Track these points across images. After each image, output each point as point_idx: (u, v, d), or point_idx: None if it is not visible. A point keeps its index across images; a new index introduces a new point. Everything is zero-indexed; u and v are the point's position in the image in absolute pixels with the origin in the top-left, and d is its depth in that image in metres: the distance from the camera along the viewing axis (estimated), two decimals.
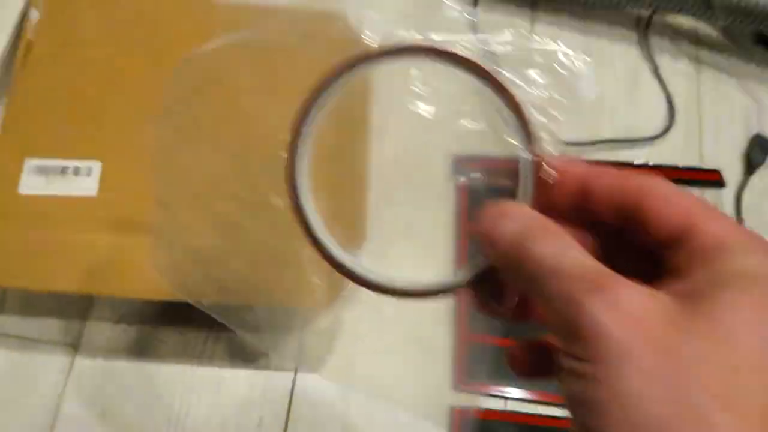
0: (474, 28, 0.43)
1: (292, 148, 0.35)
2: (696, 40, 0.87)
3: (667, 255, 0.29)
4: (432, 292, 0.34)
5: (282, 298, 0.65)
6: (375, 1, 0.76)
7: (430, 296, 0.34)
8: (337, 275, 0.60)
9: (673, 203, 0.29)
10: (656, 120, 0.83)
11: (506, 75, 0.34)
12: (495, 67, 0.33)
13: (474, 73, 0.33)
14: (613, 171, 0.31)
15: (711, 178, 0.81)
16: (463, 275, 0.33)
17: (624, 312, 0.25)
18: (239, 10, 0.75)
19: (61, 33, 0.75)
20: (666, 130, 0.82)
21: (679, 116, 0.83)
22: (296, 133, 0.34)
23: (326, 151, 0.64)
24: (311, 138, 0.35)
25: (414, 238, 0.77)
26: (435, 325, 0.74)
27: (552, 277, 0.27)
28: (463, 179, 0.78)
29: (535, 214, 0.31)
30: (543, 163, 0.32)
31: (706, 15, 0.81)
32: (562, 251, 0.28)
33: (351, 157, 0.72)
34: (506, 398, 0.72)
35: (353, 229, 0.70)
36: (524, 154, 0.32)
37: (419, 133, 0.78)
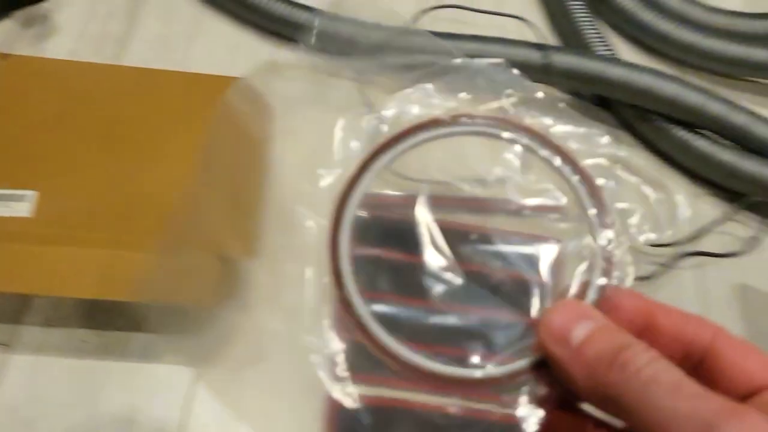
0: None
1: (334, 236, 0.32)
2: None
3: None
4: (506, 377, 0.31)
5: (171, 292, 0.78)
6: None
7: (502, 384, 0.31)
8: (228, 271, 0.75)
9: (752, 358, 0.29)
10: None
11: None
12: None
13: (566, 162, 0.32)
14: (682, 311, 0.32)
15: (558, 210, 0.97)
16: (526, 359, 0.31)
17: None
18: (144, 73, 0.92)
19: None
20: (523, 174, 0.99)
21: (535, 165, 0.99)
22: (337, 220, 0.30)
23: (228, 172, 0.80)
24: (350, 222, 0.30)
25: (301, 256, 0.91)
26: (318, 326, 0.87)
27: (674, 398, 0.26)
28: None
29: (619, 328, 0.30)
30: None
31: (550, 80, 0.99)
32: (675, 371, 0.28)
33: (247, 176, 0.87)
34: (382, 387, 0.84)
35: (246, 244, 0.84)
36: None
37: (312, 165, 0.94)
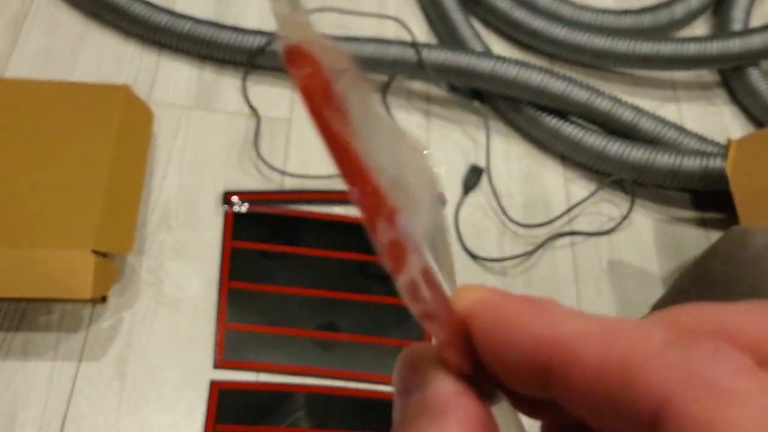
0: None
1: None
2: (427, 98, 1.10)
3: None
4: None
5: (44, 287, 0.80)
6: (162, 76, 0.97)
7: None
8: (108, 266, 0.77)
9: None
10: None
11: None
12: None
13: None
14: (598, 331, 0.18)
15: None
16: None
17: None
18: (20, 85, 0.94)
19: None
20: None
21: None
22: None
23: (105, 168, 0.82)
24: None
25: (186, 255, 0.93)
26: (202, 317, 0.89)
27: None
28: (228, 207, 0.96)
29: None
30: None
31: (423, 75, 1.04)
32: None
33: (128, 178, 0.89)
34: (258, 371, 0.87)
35: (122, 238, 0.86)
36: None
37: (198, 166, 0.97)
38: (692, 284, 0.59)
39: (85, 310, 0.88)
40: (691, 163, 0.98)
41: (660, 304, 0.63)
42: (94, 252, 0.81)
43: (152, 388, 0.84)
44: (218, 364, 0.86)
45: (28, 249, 0.81)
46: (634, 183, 1.01)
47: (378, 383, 0.87)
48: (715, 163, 0.97)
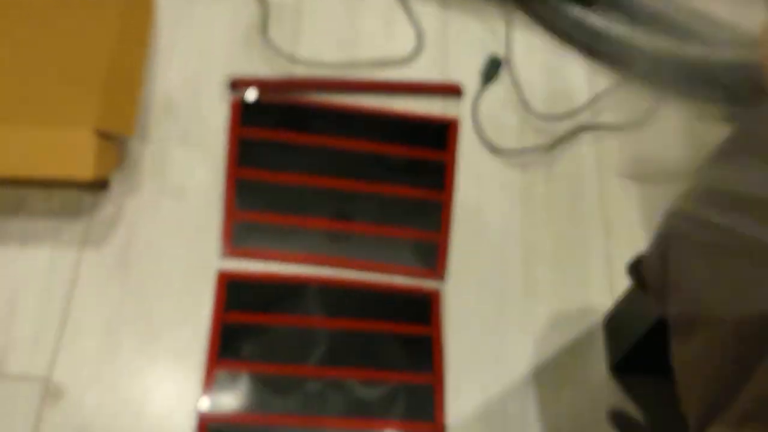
0: None
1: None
2: None
3: None
4: None
5: (45, 166, 0.76)
6: None
7: None
8: (110, 149, 0.72)
9: None
10: (409, 49, 0.98)
11: None
12: None
13: None
14: None
15: (453, 90, 0.96)
16: None
17: None
18: None
19: None
20: (416, 54, 0.97)
21: (429, 46, 0.98)
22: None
23: (107, 49, 0.77)
24: None
25: (191, 143, 0.89)
26: (208, 206, 0.85)
27: None
28: (235, 95, 0.91)
29: None
30: None
31: None
32: None
33: (129, 61, 0.84)
34: (268, 260, 0.83)
35: (125, 120, 0.82)
36: None
37: (204, 52, 0.92)
38: (737, 145, 0.55)
39: (87, 197, 0.84)
40: (722, 54, 0.92)
41: (701, 172, 0.59)
42: (96, 132, 0.77)
43: (157, 277, 0.81)
44: (226, 254, 0.82)
45: (29, 127, 0.76)
46: (662, 76, 0.95)
47: (391, 274, 0.83)
48: (747, 53, 0.92)
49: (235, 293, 0.80)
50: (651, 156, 0.95)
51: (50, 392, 0.73)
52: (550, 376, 0.80)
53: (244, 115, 0.90)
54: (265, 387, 0.75)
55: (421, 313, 0.81)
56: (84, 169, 0.75)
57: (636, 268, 0.67)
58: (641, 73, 0.97)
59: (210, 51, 0.95)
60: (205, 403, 0.74)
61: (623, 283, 0.82)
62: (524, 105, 0.95)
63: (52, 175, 0.75)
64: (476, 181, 0.90)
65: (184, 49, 0.95)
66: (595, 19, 0.97)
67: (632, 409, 0.79)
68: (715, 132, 0.96)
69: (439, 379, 0.78)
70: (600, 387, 0.80)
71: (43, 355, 0.75)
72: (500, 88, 0.97)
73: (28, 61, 0.81)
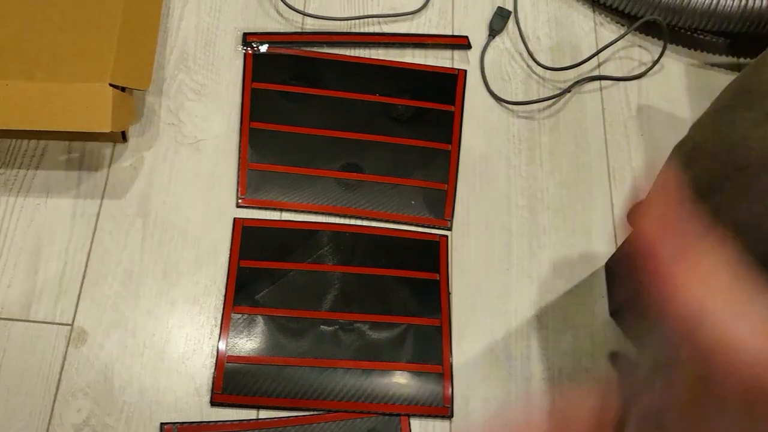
0: None
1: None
2: None
3: None
4: None
5: (63, 120, 0.78)
6: None
7: None
8: (127, 102, 0.74)
9: None
10: (417, 3, 0.99)
11: None
12: None
13: None
14: None
15: (460, 42, 0.98)
16: None
17: None
18: None
19: None
20: (424, 7, 0.99)
21: None
22: None
23: (121, 4, 0.79)
24: None
25: (206, 96, 0.91)
26: (224, 157, 0.88)
27: None
28: (248, 49, 0.93)
29: None
30: None
31: None
32: None
33: (144, 15, 0.86)
34: (282, 210, 0.86)
35: (140, 74, 0.84)
36: None
37: (216, 7, 0.94)
38: (736, 97, 0.57)
39: (106, 149, 0.86)
40: (729, 2, 0.93)
41: (699, 124, 0.61)
42: (112, 86, 0.79)
43: (175, 225, 0.84)
44: (241, 203, 0.85)
45: (46, 82, 0.79)
46: (667, 26, 0.97)
47: (401, 223, 0.86)
48: (755, 1, 0.93)
49: (250, 240, 0.83)
50: (656, 105, 0.96)
51: (74, 336, 0.77)
52: (553, 319, 0.83)
53: (256, 69, 0.93)
54: (280, 329, 0.79)
55: (429, 258, 0.84)
56: (102, 122, 0.78)
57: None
58: (647, 20, 0.98)
59: (222, 5, 0.96)
60: (222, 345, 0.78)
61: (625, 230, 0.85)
62: (530, 56, 0.97)
63: (70, 128, 0.78)
64: (483, 132, 0.92)
65: (197, 3, 0.97)
66: None
67: (632, 351, 0.83)
68: (722, 81, 0.98)
69: (445, 322, 0.81)
70: (601, 330, 0.83)
71: (66, 302, 0.79)
72: (507, 39, 0.99)
73: (43, 19, 0.83)
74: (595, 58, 0.97)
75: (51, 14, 0.83)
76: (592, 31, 1.00)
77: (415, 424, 0.77)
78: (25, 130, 0.83)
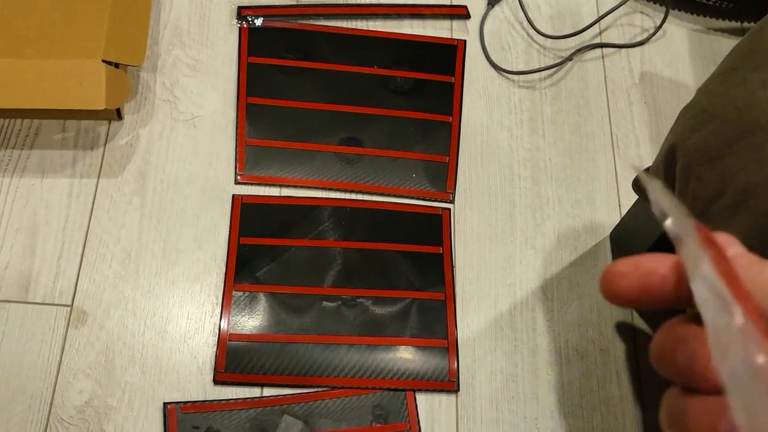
0: None
1: None
2: None
3: None
4: None
5: (56, 97, 0.77)
6: None
7: None
8: (121, 79, 0.73)
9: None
10: None
11: None
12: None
13: None
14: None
15: (459, 12, 0.96)
16: None
17: None
18: None
19: None
20: None
21: None
22: None
23: None
24: None
25: (202, 71, 0.90)
26: (221, 133, 0.86)
27: None
28: (243, 23, 0.92)
29: None
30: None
31: None
32: None
33: None
34: (281, 185, 0.85)
35: (133, 50, 0.83)
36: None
37: None
38: (743, 59, 0.55)
39: (101, 127, 0.85)
40: None
41: (706, 87, 0.59)
42: (105, 62, 0.78)
43: (173, 203, 0.83)
44: (240, 180, 0.84)
45: (39, 60, 0.77)
46: None
47: (401, 196, 0.85)
48: None
49: (250, 217, 0.82)
50: (659, 72, 0.95)
51: (73, 317, 0.76)
52: (558, 291, 0.82)
53: (252, 42, 0.91)
54: (282, 306, 0.78)
55: (432, 232, 0.83)
56: (96, 99, 0.77)
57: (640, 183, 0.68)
58: None
59: None
60: (224, 323, 0.77)
61: (630, 199, 0.83)
62: (531, 25, 0.95)
63: (64, 106, 0.77)
64: (484, 103, 0.91)
65: None
66: None
67: (638, 321, 0.82)
68: (726, 46, 0.96)
69: (449, 295, 0.80)
70: (606, 301, 0.82)
71: (65, 282, 0.78)
72: (506, 8, 0.97)
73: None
74: (597, 25, 0.96)
75: None
76: None
77: (421, 399, 0.76)
78: (17, 109, 0.82)
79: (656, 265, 0.23)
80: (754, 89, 0.53)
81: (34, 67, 0.77)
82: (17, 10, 0.80)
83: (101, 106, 0.76)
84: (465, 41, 0.94)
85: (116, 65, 0.80)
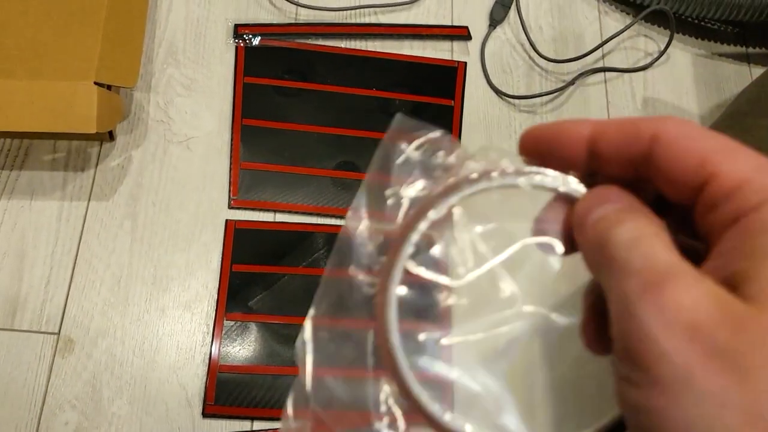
0: None
1: (384, 288, 0.27)
2: None
3: (696, 219, 0.22)
4: None
5: (46, 120, 0.75)
6: None
7: None
8: (113, 101, 0.71)
9: (684, 147, 0.22)
10: None
11: None
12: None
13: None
14: (620, 121, 0.24)
15: (460, 33, 0.94)
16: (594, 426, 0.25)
17: (676, 320, 0.19)
18: None
19: None
20: None
21: None
22: (387, 273, 0.27)
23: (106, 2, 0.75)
24: (401, 275, 0.27)
25: (196, 91, 0.88)
26: (215, 155, 0.85)
27: (618, 271, 0.21)
28: (240, 42, 0.90)
29: (625, 195, 0.24)
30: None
31: None
32: (637, 238, 0.21)
33: (129, 9, 0.83)
34: (276, 211, 0.83)
35: (126, 71, 0.81)
36: None
37: (205, 1, 0.90)
38: (752, 104, 0.54)
39: (93, 148, 0.83)
40: None
41: (714, 129, 0.57)
42: (97, 84, 0.76)
43: (165, 227, 0.81)
44: (234, 204, 0.82)
45: (29, 82, 0.75)
46: (674, 15, 0.93)
47: None
48: None
49: (243, 243, 0.80)
50: (662, 97, 0.93)
51: (60, 346, 0.75)
52: None
53: (248, 62, 0.89)
54: (274, 337, 0.76)
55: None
56: (86, 123, 0.75)
57: None
58: (653, 9, 0.94)
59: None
60: (215, 353, 0.75)
61: None
62: (533, 48, 0.93)
63: (54, 129, 0.75)
64: (483, 127, 0.89)
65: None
66: None
67: None
68: (731, 72, 0.94)
69: None
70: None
71: (52, 309, 0.76)
72: (508, 30, 0.95)
73: (23, 13, 0.79)
74: (600, 49, 0.94)
75: (31, 8, 0.80)
76: (596, 20, 0.97)
77: None
78: (6, 132, 0.80)
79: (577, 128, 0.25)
80: (763, 136, 0.52)
81: (24, 89, 0.75)
82: (7, 29, 0.79)
83: (92, 130, 0.74)
84: (466, 63, 0.92)
85: (109, 87, 0.78)
